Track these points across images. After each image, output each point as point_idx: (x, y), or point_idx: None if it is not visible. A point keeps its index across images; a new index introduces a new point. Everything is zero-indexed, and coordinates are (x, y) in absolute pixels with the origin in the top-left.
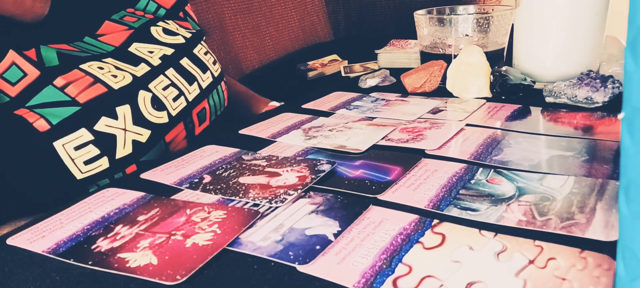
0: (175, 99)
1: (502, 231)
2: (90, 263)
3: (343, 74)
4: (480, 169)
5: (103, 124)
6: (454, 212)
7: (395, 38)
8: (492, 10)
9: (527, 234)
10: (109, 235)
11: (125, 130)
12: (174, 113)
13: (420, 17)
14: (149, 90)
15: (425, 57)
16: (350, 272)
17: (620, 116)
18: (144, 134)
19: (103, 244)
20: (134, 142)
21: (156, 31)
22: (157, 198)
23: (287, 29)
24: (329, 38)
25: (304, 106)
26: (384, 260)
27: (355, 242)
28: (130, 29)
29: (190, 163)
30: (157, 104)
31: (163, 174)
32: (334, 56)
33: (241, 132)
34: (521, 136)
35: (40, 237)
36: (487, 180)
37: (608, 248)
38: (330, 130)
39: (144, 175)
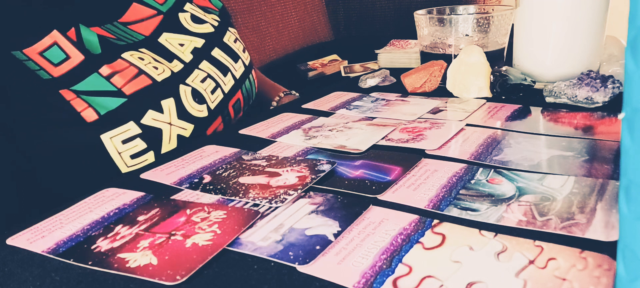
0: (213, 91)
1: (502, 231)
2: (90, 263)
3: (343, 74)
4: (481, 169)
5: (150, 118)
6: (454, 212)
7: (395, 38)
8: (492, 10)
9: (527, 234)
10: (108, 235)
11: (170, 124)
12: (212, 106)
13: (420, 17)
14: (188, 85)
15: (425, 57)
16: (350, 272)
17: (620, 116)
18: (187, 129)
19: (103, 244)
20: (179, 137)
21: (184, 19)
22: (157, 198)
23: (287, 29)
24: (329, 38)
25: (304, 106)
26: (384, 260)
27: (355, 242)
28: (159, 14)
29: (190, 164)
30: (198, 97)
31: (163, 174)
32: (334, 56)
33: (241, 132)
34: (521, 136)
35: (40, 237)
36: (487, 180)
37: (608, 249)
38: (330, 130)
39: (144, 175)
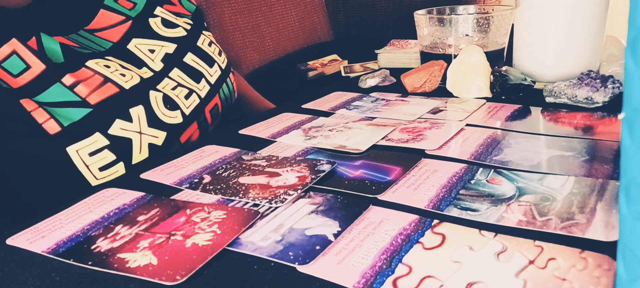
0: (187, 97)
1: (502, 231)
2: (90, 263)
3: (343, 74)
4: (480, 169)
5: (118, 127)
6: (454, 212)
7: (395, 38)
8: (492, 10)
9: (527, 234)
10: (108, 235)
11: (140, 133)
12: (187, 111)
13: (420, 17)
14: (159, 91)
15: (425, 57)
16: (350, 272)
17: (620, 116)
18: (159, 136)
19: (103, 244)
20: (150, 146)
21: (155, 23)
22: (157, 198)
23: (287, 29)
24: (329, 38)
25: (304, 106)
26: (384, 260)
27: (355, 242)
28: (128, 20)
29: (190, 164)
30: (170, 103)
31: (163, 174)
32: (334, 56)
33: (241, 132)
34: (521, 136)
35: (40, 237)
36: (487, 180)
37: (608, 249)
38: (330, 130)
39: (143, 175)
